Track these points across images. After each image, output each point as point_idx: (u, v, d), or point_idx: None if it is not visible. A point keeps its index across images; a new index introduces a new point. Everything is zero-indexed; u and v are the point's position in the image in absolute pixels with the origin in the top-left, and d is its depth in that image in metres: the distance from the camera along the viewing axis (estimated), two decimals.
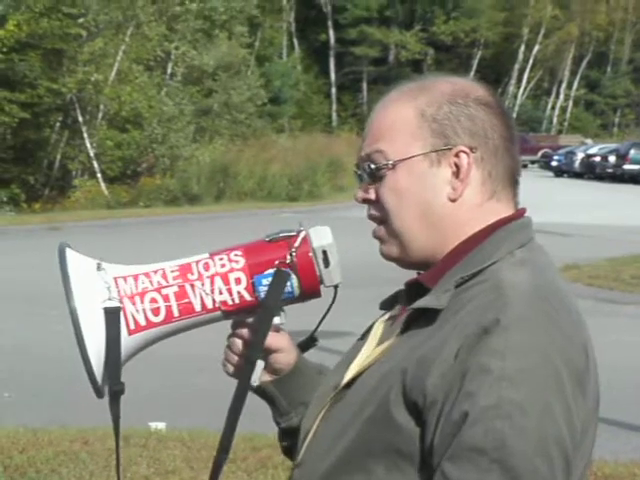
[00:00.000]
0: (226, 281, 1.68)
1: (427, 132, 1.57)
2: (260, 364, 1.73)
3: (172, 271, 1.69)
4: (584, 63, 63.06)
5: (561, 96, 63.15)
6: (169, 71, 32.72)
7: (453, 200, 1.56)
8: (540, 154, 48.85)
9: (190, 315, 1.69)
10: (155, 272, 1.69)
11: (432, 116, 1.57)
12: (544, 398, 1.38)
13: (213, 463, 1.74)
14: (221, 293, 1.68)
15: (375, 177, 1.59)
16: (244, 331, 1.73)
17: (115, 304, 1.63)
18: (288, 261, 1.68)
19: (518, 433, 1.36)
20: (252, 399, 1.75)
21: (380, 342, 1.61)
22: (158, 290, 1.67)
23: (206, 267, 1.69)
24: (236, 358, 1.75)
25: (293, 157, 29.72)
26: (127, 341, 1.64)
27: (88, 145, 27.92)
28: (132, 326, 1.65)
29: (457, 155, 1.56)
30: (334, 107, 58.29)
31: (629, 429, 6.80)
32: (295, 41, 57.83)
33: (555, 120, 63.24)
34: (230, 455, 1.75)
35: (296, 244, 1.69)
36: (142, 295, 1.66)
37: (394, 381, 1.46)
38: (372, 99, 48.71)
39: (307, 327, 1.87)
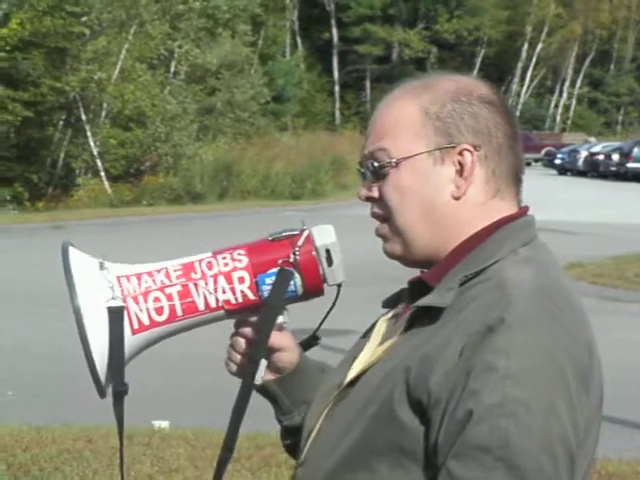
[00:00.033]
0: (229, 280, 1.68)
1: (431, 130, 1.56)
2: (263, 363, 1.72)
3: (175, 270, 1.69)
4: (587, 61, 63.02)
5: (564, 94, 63.10)
6: (172, 69, 32.75)
7: (457, 198, 1.56)
8: (544, 152, 48.76)
9: (193, 314, 1.68)
10: (158, 271, 1.68)
11: (436, 114, 1.56)
12: (549, 397, 1.38)
13: (217, 462, 1.74)
14: (224, 292, 1.68)
15: (378, 175, 1.58)
16: (247, 330, 1.73)
17: (119, 303, 1.63)
18: (291, 260, 1.67)
19: (523, 431, 1.36)
20: (255, 398, 1.74)
21: (383, 340, 1.61)
22: (161, 289, 1.67)
23: (209, 266, 1.69)
24: (239, 357, 1.74)
25: (296, 155, 29.69)
26: (131, 340, 1.64)
27: (91, 143, 27.94)
28: (136, 325, 1.65)
29: (461, 153, 1.55)
30: (337, 105, 58.31)
31: (633, 427, 6.80)
32: (298, 39, 57.86)
33: (558, 118, 63.21)
34: (234, 454, 1.75)
35: (299, 243, 1.68)
36: (145, 294, 1.66)
37: (398, 379, 1.46)
38: (375, 97, 48.78)
39: (310, 325, 1.87)
